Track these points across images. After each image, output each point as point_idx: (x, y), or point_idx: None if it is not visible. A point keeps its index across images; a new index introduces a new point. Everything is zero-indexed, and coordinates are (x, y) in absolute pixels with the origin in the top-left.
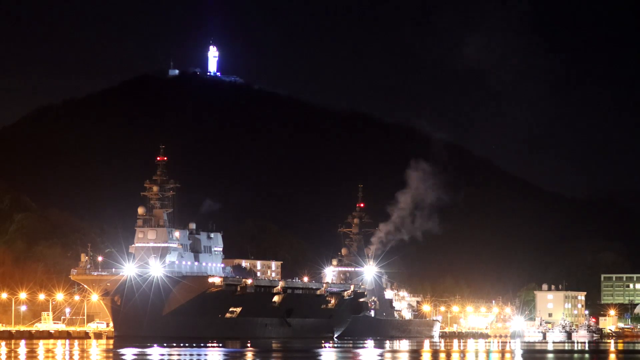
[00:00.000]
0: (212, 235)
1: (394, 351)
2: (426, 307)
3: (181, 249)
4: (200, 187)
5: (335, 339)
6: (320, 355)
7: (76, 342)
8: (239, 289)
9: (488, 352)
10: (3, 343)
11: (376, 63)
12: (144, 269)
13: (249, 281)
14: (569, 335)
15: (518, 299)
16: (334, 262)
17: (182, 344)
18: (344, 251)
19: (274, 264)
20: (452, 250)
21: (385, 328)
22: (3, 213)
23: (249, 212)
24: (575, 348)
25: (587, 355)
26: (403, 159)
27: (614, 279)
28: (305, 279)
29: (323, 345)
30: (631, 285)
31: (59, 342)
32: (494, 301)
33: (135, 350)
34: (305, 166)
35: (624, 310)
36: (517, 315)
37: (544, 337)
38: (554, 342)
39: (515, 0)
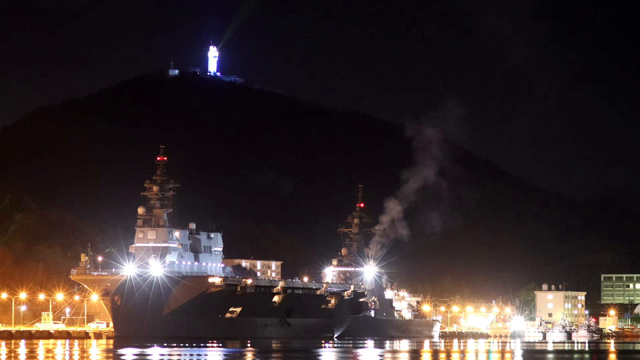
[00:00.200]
0: (212, 235)
1: (394, 351)
2: (426, 307)
3: (181, 249)
4: (200, 187)
5: (335, 339)
6: (320, 355)
7: (76, 342)
8: (239, 289)
9: (488, 352)
10: (3, 343)
11: (376, 63)
12: (144, 269)
13: (249, 281)
14: (569, 335)
15: (518, 299)
16: (334, 262)
17: (182, 344)
18: (344, 251)
19: (274, 264)
20: (452, 250)
21: (385, 328)
22: (3, 213)
23: (249, 212)
24: (575, 348)
25: (587, 356)
26: (403, 159)
27: (614, 279)
28: (305, 279)
29: (323, 345)
30: (631, 285)
31: (59, 342)
32: (494, 301)
33: (135, 350)
34: (305, 166)
35: (624, 310)
36: (517, 315)
37: (544, 337)
38: (554, 342)
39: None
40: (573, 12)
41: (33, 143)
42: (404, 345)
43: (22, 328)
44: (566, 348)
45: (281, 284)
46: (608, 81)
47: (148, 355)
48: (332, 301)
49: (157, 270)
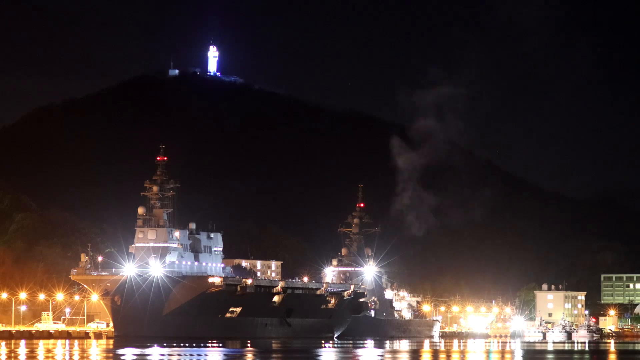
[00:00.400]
0: (212, 235)
1: (394, 351)
2: (426, 307)
3: (181, 249)
4: (200, 187)
5: (335, 339)
6: (320, 355)
7: (76, 342)
8: (239, 289)
9: (488, 352)
10: (3, 343)
11: (376, 63)
12: (144, 269)
13: (249, 281)
14: (569, 335)
15: (518, 299)
16: (334, 262)
17: (182, 344)
18: (344, 251)
19: (274, 264)
20: (452, 250)
21: (385, 328)
22: (3, 213)
23: (249, 212)
24: (575, 348)
25: (587, 356)
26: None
27: (614, 279)
28: (305, 279)
29: (323, 345)
30: (631, 285)
31: (59, 342)
32: (494, 301)
33: (135, 350)
34: (306, 166)
35: (624, 310)
36: (517, 315)
37: (544, 337)
38: (554, 342)
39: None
40: (572, 12)
41: (33, 143)
42: (404, 345)
43: (22, 328)
44: (566, 348)
45: (281, 284)
46: (608, 81)
47: (148, 355)
48: (332, 301)
49: (157, 270)
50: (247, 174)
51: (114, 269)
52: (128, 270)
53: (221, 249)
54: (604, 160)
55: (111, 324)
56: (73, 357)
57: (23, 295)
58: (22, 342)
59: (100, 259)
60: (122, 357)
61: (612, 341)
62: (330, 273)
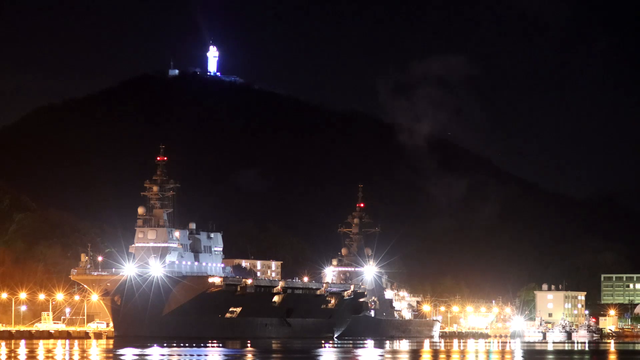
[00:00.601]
0: (212, 235)
1: (394, 351)
2: (426, 307)
3: (181, 249)
4: (200, 187)
5: (335, 339)
6: (320, 355)
7: (76, 342)
8: (239, 289)
9: (488, 353)
10: (3, 343)
11: (376, 63)
12: (144, 269)
13: (249, 281)
14: (569, 335)
15: (518, 299)
16: (334, 262)
17: (182, 344)
18: (344, 251)
19: (274, 264)
20: (452, 250)
21: (385, 328)
22: (3, 213)
23: (249, 212)
24: (575, 348)
25: (587, 356)
26: (403, 159)
27: (614, 279)
28: (305, 279)
29: (323, 345)
30: (631, 285)
31: (59, 342)
32: (494, 301)
33: (135, 350)
34: (306, 166)
35: (624, 310)
36: (517, 315)
37: (544, 337)
38: (554, 342)
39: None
40: (572, 12)
41: (33, 143)
42: (404, 345)
43: (22, 328)
44: (566, 348)
45: (281, 284)
46: (608, 81)
47: (148, 355)
48: (332, 301)
49: (157, 270)
50: (247, 174)
51: (114, 269)
52: (128, 270)
53: (221, 249)
54: (604, 160)
55: (111, 324)
56: (73, 357)
57: (23, 295)
58: (22, 342)
59: (100, 259)
60: (122, 357)
61: (612, 341)
62: (330, 273)
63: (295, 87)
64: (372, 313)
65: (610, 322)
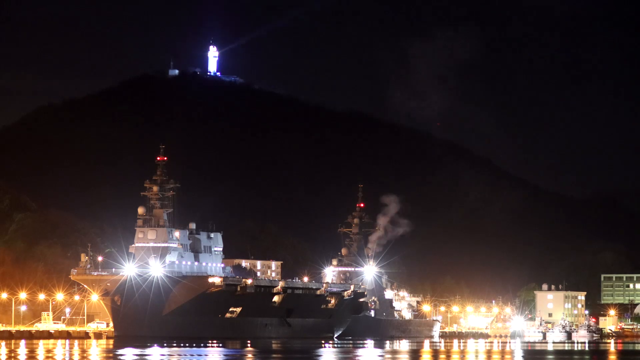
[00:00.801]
0: (212, 235)
1: (394, 351)
2: (426, 307)
3: (181, 249)
4: (200, 187)
5: (335, 339)
6: (320, 355)
7: (76, 342)
8: (239, 289)
9: (488, 352)
10: (3, 343)
11: (376, 63)
12: (144, 269)
13: (249, 281)
14: (569, 335)
15: (518, 299)
16: (334, 262)
17: (182, 344)
18: (344, 251)
19: (274, 264)
20: (452, 250)
21: (385, 328)
22: (3, 213)
23: (249, 212)
24: (575, 348)
25: (587, 356)
26: (404, 159)
27: (614, 279)
28: (305, 279)
29: (323, 345)
30: (631, 285)
31: (59, 342)
32: (494, 301)
33: (135, 350)
34: (306, 166)
35: (624, 310)
36: (517, 315)
37: (544, 337)
38: (554, 342)
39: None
40: (573, 13)
41: (33, 143)
42: (404, 345)
43: (22, 328)
44: (566, 348)
45: (281, 284)
46: (609, 80)
47: (148, 355)
48: (332, 301)
49: (157, 270)
50: (247, 174)
51: (114, 269)
52: (128, 270)
53: (221, 249)
54: (605, 161)
55: (111, 324)
56: (73, 357)
57: (23, 295)
58: (22, 342)
59: (100, 259)
60: (122, 357)
61: (612, 341)
62: (330, 273)
63: (295, 87)
64: (372, 313)
65: (610, 322)
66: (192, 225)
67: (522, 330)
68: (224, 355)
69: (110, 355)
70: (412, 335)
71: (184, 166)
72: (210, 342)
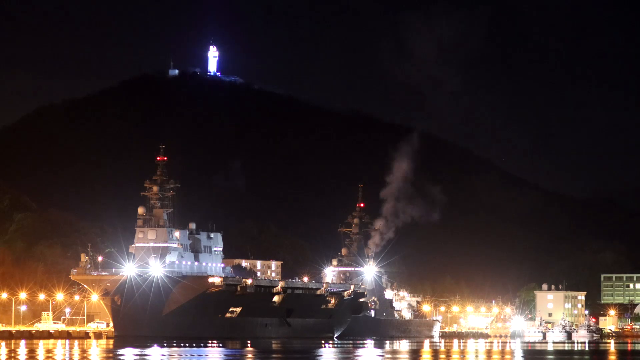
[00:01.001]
0: (212, 235)
1: (394, 351)
2: (426, 307)
3: (181, 249)
4: (200, 187)
5: (335, 339)
6: (320, 355)
7: (76, 342)
8: (239, 289)
9: (488, 353)
10: (3, 343)
11: (376, 62)
12: (144, 269)
13: (249, 281)
14: (569, 335)
15: (518, 299)
16: (334, 262)
17: (182, 344)
18: (344, 251)
19: (274, 264)
20: (452, 250)
21: (385, 328)
22: (3, 213)
23: (249, 212)
24: (575, 348)
25: (587, 356)
26: (403, 159)
27: (614, 279)
28: (305, 279)
29: (323, 345)
30: (631, 285)
31: (59, 342)
32: (494, 301)
33: (135, 350)
34: (306, 166)
35: (624, 310)
36: (517, 315)
37: (544, 337)
38: (554, 342)
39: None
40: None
41: (33, 143)
42: (404, 345)
43: (22, 328)
44: (566, 348)
45: (281, 284)
46: (609, 81)
47: (148, 355)
48: (332, 301)
49: (157, 270)
50: (247, 174)
51: (114, 269)
52: (128, 270)
53: (221, 249)
54: (604, 160)
55: (111, 324)
56: (73, 357)
57: (23, 295)
58: (22, 342)
59: (100, 259)
60: (122, 357)
61: (612, 341)
62: (330, 273)
63: (295, 87)
64: (372, 313)
65: (610, 322)
66: (192, 225)
67: (522, 330)
68: (224, 355)
69: (110, 355)
70: (412, 335)
71: (184, 166)
72: (210, 342)
